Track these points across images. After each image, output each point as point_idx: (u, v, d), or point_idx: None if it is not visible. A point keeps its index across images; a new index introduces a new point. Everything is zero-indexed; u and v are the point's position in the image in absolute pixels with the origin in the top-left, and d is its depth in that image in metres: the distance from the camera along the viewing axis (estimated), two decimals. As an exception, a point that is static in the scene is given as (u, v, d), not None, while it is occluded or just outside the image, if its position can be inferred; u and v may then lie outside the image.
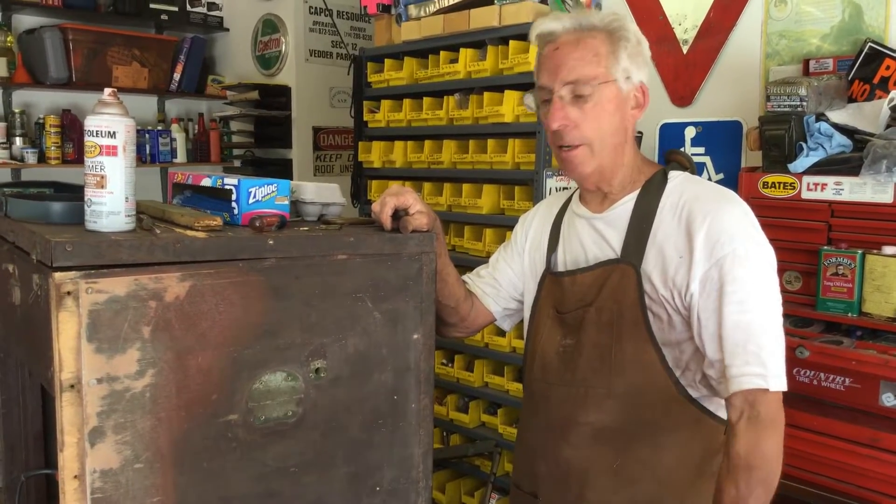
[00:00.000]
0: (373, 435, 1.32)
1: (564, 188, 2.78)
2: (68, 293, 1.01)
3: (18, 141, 4.11)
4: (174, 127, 4.70)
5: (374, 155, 3.37)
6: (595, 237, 1.38)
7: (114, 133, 1.10)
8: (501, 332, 2.90)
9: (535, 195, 2.73)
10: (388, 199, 1.33)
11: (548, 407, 1.41)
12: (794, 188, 2.09)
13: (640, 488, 1.31)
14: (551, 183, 2.68)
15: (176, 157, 4.66)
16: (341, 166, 4.68)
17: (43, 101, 4.34)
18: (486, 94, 2.91)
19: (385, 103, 3.35)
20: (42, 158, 4.17)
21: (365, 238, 1.29)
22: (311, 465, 1.25)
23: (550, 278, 1.45)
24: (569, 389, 1.36)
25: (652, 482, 1.31)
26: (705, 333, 1.24)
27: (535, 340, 1.46)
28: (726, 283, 1.22)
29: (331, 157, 4.65)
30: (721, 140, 2.67)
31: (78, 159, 4.22)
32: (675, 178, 1.35)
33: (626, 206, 1.35)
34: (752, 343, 1.21)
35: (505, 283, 1.57)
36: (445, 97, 3.08)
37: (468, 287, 1.59)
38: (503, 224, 2.90)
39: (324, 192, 1.48)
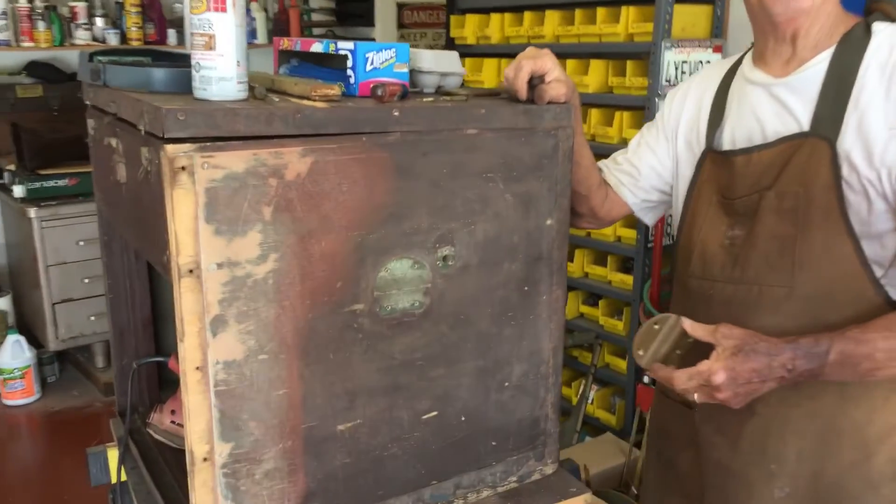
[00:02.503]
0: (502, 328, 1.21)
1: (684, 62, 2.53)
2: (182, 168, 0.90)
3: (99, 21, 4.02)
4: (253, 6, 4.52)
5: (467, 30, 3.15)
6: (776, 108, 1.15)
7: (222, -15, 0.96)
8: (606, 220, 2.73)
9: (652, 70, 2.49)
10: (525, 62, 1.16)
11: (709, 308, 1.22)
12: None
13: (821, 403, 1.14)
14: (670, 56, 2.43)
15: (256, 38, 4.51)
16: (427, 45, 4.46)
17: (122, -20, 4.22)
18: (595, -42, 2.64)
19: (479, -28, 3.10)
20: (123, 39, 4.08)
21: (496, 110, 1.14)
22: (438, 359, 1.16)
23: (714, 158, 1.24)
24: (737, 288, 1.17)
25: (836, 396, 1.13)
26: None
27: (692, 231, 1.26)
28: None
29: (416, 35, 4.42)
30: None
31: (160, 41, 4.12)
32: (883, 30, 1.10)
33: (817, 67, 1.11)
34: None
35: (646, 170, 1.39)
36: (548, -37, 2.81)
37: (603, 175, 1.43)
38: (612, 104, 2.69)
39: (442, 61, 1.32)
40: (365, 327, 1.08)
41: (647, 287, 2.52)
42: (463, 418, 1.21)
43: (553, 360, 1.29)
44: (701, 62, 2.60)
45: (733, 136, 1.21)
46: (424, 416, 1.17)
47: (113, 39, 4.02)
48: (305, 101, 1.05)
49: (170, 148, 0.89)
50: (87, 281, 3.65)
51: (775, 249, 1.12)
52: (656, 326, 1.14)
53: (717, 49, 2.67)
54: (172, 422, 1.31)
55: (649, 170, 1.39)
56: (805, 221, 1.09)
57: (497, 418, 1.25)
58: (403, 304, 1.10)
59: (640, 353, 1.15)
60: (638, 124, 2.63)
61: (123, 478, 1.40)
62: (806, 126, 1.11)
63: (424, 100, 1.17)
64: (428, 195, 1.09)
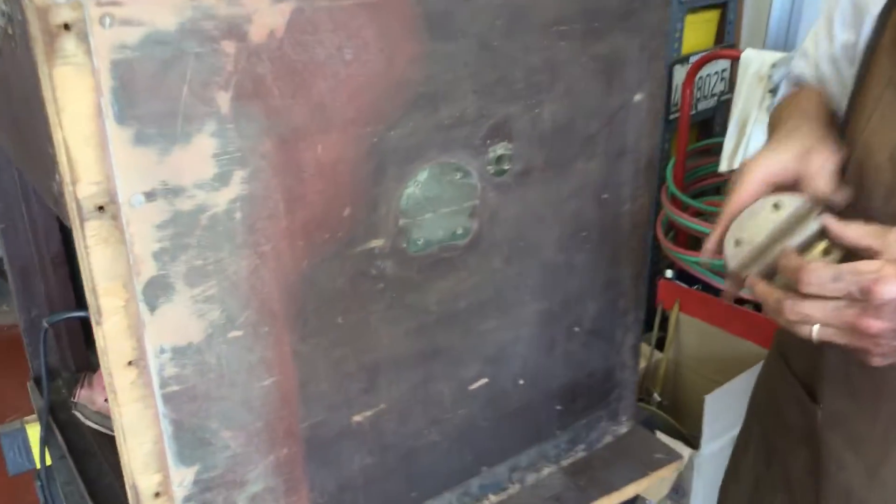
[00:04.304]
0: (573, 254, 0.85)
1: None
2: (66, 27, 0.49)
3: None
4: None
5: None
6: None
7: None
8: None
9: None
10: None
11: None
12: None
13: None
14: None
15: None
16: None
17: None
18: None
19: None
20: None
21: (573, -77, 0.73)
22: (489, 306, 0.80)
23: None
24: None
25: None
26: None
27: (855, 129, 0.77)
28: None
29: None
30: None
31: None
32: None
33: None
34: None
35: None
36: None
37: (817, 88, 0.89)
38: None
39: None
40: (387, 273, 0.71)
41: (670, 167, 2.16)
42: (521, 382, 0.87)
43: (635, 291, 0.94)
44: None
45: None
46: (472, 387, 0.82)
47: None
48: None
49: (36, -11, 0.48)
50: None
51: None
52: (776, 210, 0.68)
53: None
54: (107, 401, 0.94)
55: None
56: None
57: (564, 375, 0.91)
58: (442, 234, 0.73)
59: (736, 247, 0.70)
60: None
61: (48, 461, 1.05)
62: None
63: (456, -90, 0.75)
64: (475, 63, 0.70)
